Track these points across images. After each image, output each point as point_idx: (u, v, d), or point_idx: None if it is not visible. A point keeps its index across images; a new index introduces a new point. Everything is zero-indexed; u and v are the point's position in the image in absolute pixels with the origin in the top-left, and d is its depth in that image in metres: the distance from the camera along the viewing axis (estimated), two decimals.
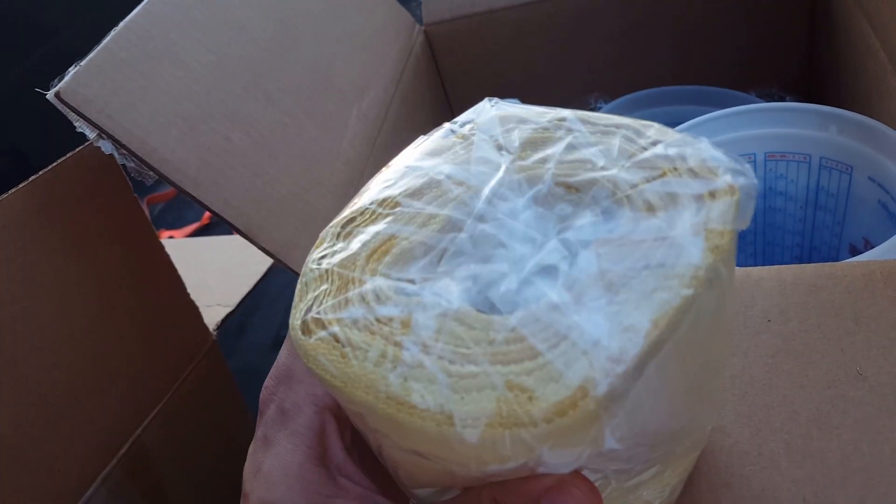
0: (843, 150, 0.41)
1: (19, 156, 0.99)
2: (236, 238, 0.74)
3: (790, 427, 0.28)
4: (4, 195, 0.33)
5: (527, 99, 0.55)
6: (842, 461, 0.27)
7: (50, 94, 0.33)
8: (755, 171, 0.45)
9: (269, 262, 0.53)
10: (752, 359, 0.30)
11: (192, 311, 0.43)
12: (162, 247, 0.41)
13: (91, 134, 0.34)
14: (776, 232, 0.47)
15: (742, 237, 0.48)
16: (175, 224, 0.89)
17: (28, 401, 0.33)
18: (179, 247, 0.41)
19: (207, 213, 0.91)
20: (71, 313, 0.36)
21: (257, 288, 0.81)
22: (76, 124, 0.34)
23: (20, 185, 0.34)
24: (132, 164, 0.35)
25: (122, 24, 0.36)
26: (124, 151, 0.35)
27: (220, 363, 0.45)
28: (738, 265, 0.28)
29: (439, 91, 0.62)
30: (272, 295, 0.81)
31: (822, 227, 0.45)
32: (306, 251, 0.43)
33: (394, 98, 0.51)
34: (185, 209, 0.91)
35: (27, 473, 0.33)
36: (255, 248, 0.55)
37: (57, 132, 0.37)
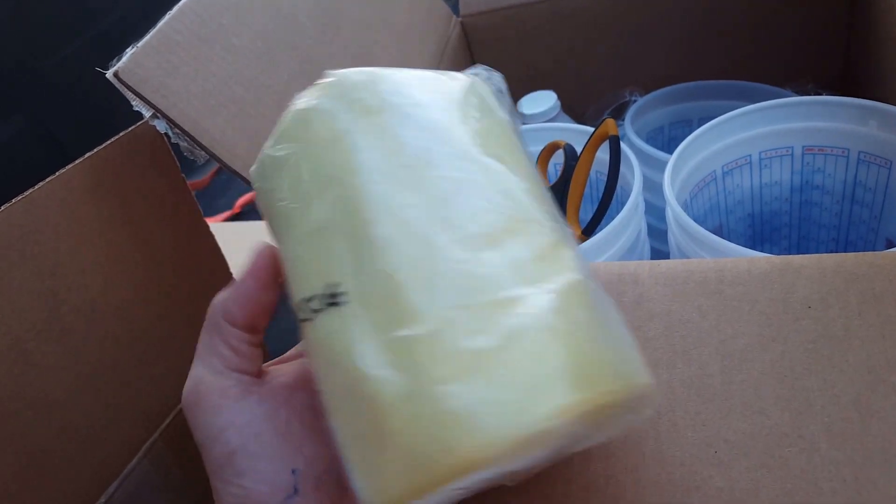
0: (882, 144, 0.41)
1: (55, 144, 1.02)
2: None
3: (830, 410, 0.28)
4: (63, 170, 0.34)
5: (561, 91, 0.56)
6: (882, 444, 0.27)
7: (109, 74, 0.34)
8: (792, 164, 0.45)
9: None
10: (791, 344, 0.30)
11: None
12: (207, 227, 0.42)
13: (147, 113, 0.35)
14: (811, 226, 0.47)
15: (777, 231, 0.48)
16: (207, 212, 0.91)
17: (78, 370, 0.34)
18: (216, 231, 0.42)
19: (239, 202, 0.92)
20: (119, 288, 0.37)
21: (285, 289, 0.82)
22: (133, 103, 0.35)
23: (77, 161, 0.35)
24: (185, 144, 0.36)
25: (176, 8, 0.38)
26: (178, 131, 0.36)
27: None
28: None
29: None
30: None
31: (858, 222, 0.45)
32: None
33: None
34: (217, 197, 0.93)
35: (76, 441, 0.34)
36: None
37: (92, 121, 0.38)
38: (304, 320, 0.22)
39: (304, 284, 0.22)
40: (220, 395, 0.24)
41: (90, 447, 0.35)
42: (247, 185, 0.37)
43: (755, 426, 0.28)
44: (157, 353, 0.39)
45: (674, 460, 0.28)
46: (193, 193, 0.41)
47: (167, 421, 0.39)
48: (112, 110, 0.37)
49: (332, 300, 0.21)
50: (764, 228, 0.48)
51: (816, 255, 0.32)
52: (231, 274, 0.44)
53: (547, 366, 0.19)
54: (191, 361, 0.40)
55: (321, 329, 0.21)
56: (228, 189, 0.95)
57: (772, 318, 0.31)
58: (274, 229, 0.25)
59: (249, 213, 0.87)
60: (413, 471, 0.18)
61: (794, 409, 0.28)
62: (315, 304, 0.21)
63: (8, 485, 0.31)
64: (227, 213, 0.88)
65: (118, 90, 0.35)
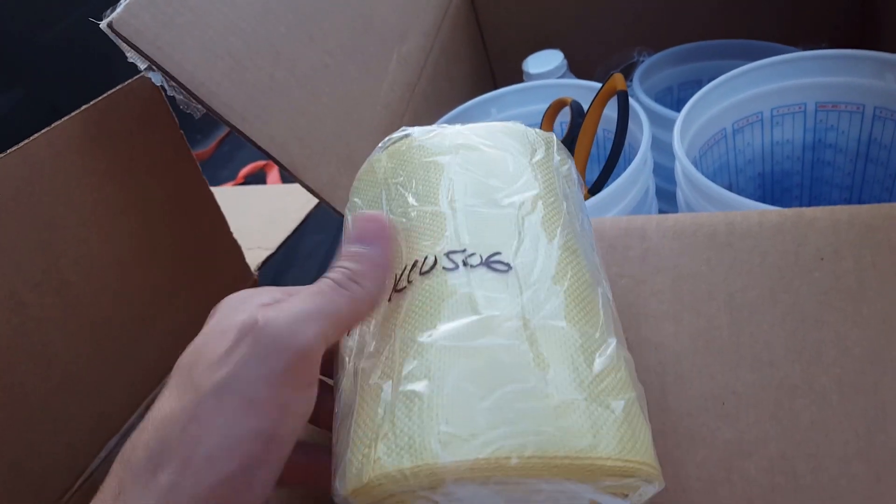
0: None
1: (56, 115, 1.01)
2: (272, 188, 0.74)
3: (842, 362, 0.27)
4: (58, 122, 0.34)
5: (568, 52, 0.55)
6: (895, 396, 0.26)
7: (103, 24, 0.33)
8: (805, 121, 0.44)
9: (305, 211, 0.53)
10: (803, 297, 0.29)
11: (235, 249, 0.43)
12: (206, 184, 0.41)
13: (142, 65, 0.34)
14: (823, 186, 0.46)
15: (788, 192, 0.47)
16: (210, 183, 0.90)
17: (78, 322, 0.34)
18: (218, 195, 0.42)
19: (242, 173, 0.92)
20: (118, 242, 0.36)
21: (291, 246, 0.82)
22: (128, 55, 0.34)
23: (73, 113, 0.34)
24: (181, 97, 0.35)
25: None
26: (173, 84, 0.35)
27: None
28: None
29: (478, 42, 0.61)
30: (305, 252, 0.82)
31: (871, 182, 0.44)
32: (347, 191, 0.43)
33: (434, 46, 0.50)
34: (220, 168, 0.92)
35: (76, 394, 0.34)
36: (291, 198, 0.56)
37: (92, 92, 0.37)
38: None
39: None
40: None
41: (90, 401, 0.35)
42: (239, 135, 0.36)
43: (765, 378, 0.28)
44: (158, 310, 0.38)
45: (680, 411, 0.28)
46: (192, 152, 0.41)
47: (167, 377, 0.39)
48: (112, 82, 0.37)
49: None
50: (774, 189, 0.47)
51: (829, 207, 0.31)
52: (231, 234, 0.43)
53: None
54: (191, 319, 0.39)
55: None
56: (231, 160, 0.94)
57: (783, 271, 0.30)
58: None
59: (252, 183, 0.86)
60: (397, 454, 0.19)
61: (805, 361, 0.28)
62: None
63: (7, 436, 0.31)
64: (230, 184, 0.88)
65: (118, 61, 0.34)
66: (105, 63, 0.36)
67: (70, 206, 0.34)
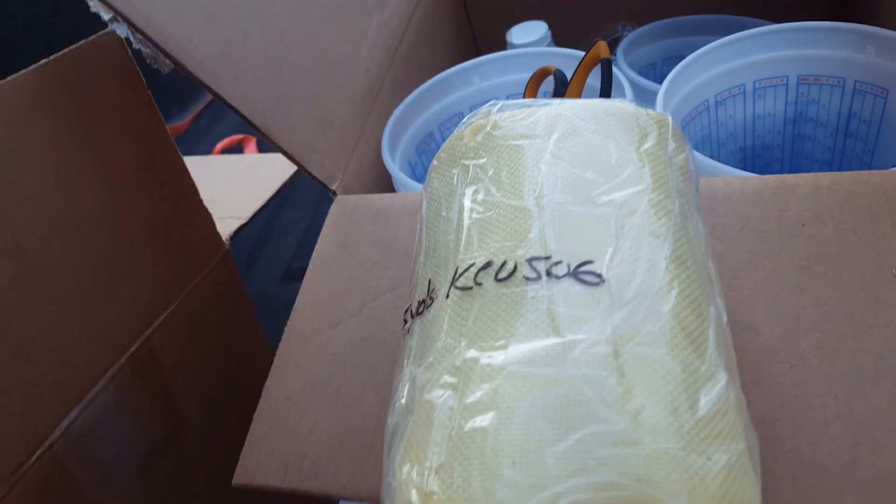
0: (879, 72, 0.40)
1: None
2: (248, 157, 0.73)
3: (822, 327, 0.27)
4: (15, 75, 0.32)
5: (551, 24, 0.54)
6: (875, 360, 0.26)
7: None
8: (787, 95, 0.44)
9: (280, 181, 0.52)
10: (784, 262, 0.29)
11: (205, 217, 0.42)
12: (175, 148, 0.40)
13: (106, 15, 0.33)
14: (803, 161, 0.46)
15: (769, 166, 0.47)
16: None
17: (35, 288, 0.33)
18: (191, 164, 0.40)
19: (218, 147, 0.90)
20: (79, 205, 0.35)
21: (268, 221, 0.81)
22: (90, 4, 0.33)
23: (31, 67, 0.33)
24: (147, 51, 0.34)
25: None
26: (140, 36, 0.33)
27: (232, 274, 0.44)
28: None
29: (461, 10, 0.60)
30: (282, 229, 0.80)
31: (851, 156, 0.44)
32: (324, 155, 0.42)
33: (416, 10, 0.49)
34: (196, 142, 0.90)
35: (35, 361, 0.33)
36: (266, 168, 0.55)
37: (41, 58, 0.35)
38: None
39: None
40: None
41: (50, 369, 0.33)
42: (211, 94, 0.34)
43: (745, 343, 0.27)
44: (121, 277, 0.37)
45: None
46: (159, 111, 0.39)
47: (133, 348, 0.38)
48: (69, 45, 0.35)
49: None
50: (755, 163, 0.47)
51: (811, 174, 0.31)
52: (200, 201, 0.42)
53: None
54: (157, 288, 0.38)
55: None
56: (207, 134, 0.92)
57: (764, 236, 0.30)
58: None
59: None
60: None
61: (785, 325, 0.27)
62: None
63: None
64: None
65: (75, 23, 0.33)
66: (60, 26, 0.34)
67: (28, 166, 0.32)
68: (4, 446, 0.32)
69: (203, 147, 0.88)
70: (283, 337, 0.34)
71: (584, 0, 0.58)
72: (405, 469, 0.18)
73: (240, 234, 0.44)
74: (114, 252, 0.37)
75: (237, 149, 0.88)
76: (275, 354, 0.33)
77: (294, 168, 0.55)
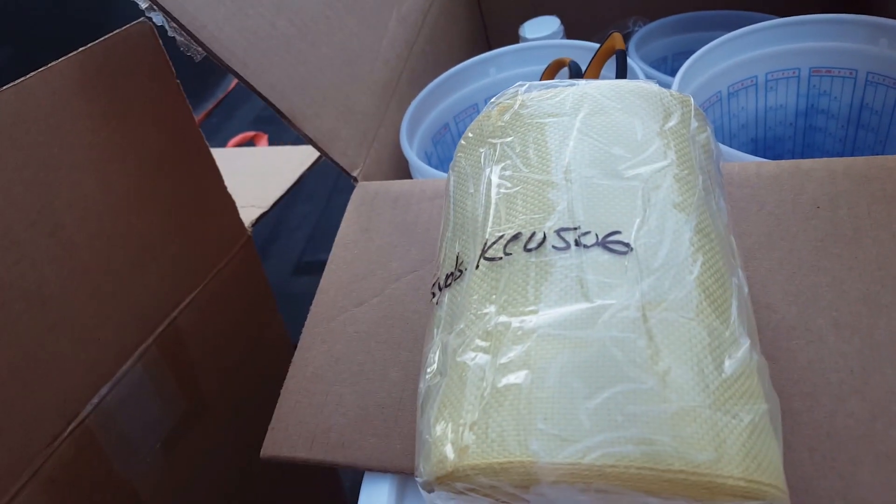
0: (891, 64, 0.40)
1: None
2: (263, 149, 0.74)
3: (838, 305, 0.28)
4: (54, 62, 0.33)
5: (563, 19, 0.55)
6: (890, 337, 0.27)
7: None
8: (798, 87, 0.45)
9: (298, 172, 0.53)
10: (800, 243, 0.30)
11: (229, 203, 0.43)
12: (201, 136, 0.41)
13: (143, 4, 0.34)
14: (815, 153, 0.47)
15: (780, 158, 0.48)
16: None
17: (71, 266, 0.34)
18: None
19: (231, 143, 0.91)
20: (112, 188, 0.36)
21: (278, 217, 0.82)
22: None
23: (70, 55, 0.34)
24: (181, 38, 0.35)
25: None
26: (174, 25, 0.34)
27: (254, 259, 0.45)
28: None
29: (475, 6, 0.61)
30: (293, 224, 0.81)
31: (863, 148, 0.44)
32: (347, 143, 0.43)
33: (432, 6, 0.50)
34: (209, 138, 0.91)
35: (69, 338, 0.34)
36: (283, 159, 0.56)
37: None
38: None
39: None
40: None
41: (83, 346, 0.34)
42: (238, 79, 0.35)
43: (762, 320, 0.28)
44: (151, 258, 0.38)
45: None
46: (188, 101, 0.40)
47: (161, 328, 0.39)
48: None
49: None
50: (767, 155, 0.47)
51: (826, 159, 0.32)
52: (225, 188, 0.43)
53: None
54: (184, 271, 0.38)
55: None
56: (219, 131, 0.93)
57: (780, 219, 0.31)
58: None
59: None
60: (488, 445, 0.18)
61: (802, 303, 0.28)
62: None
63: (0, 376, 0.31)
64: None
65: (108, 21, 0.34)
66: (94, 22, 0.36)
67: (65, 147, 0.33)
68: (41, 419, 0.33)
69: (215, 144, 0.89)
70: (309, 316, 0.35)
71: None
72: (440, 426, 0.19)
73: (253, 231, 0.45)
74: (144, 234, 0.38)
75: (249, 145, 0.90)
76: (290, 339, 0.34)
77: (309, 160, 0.56)
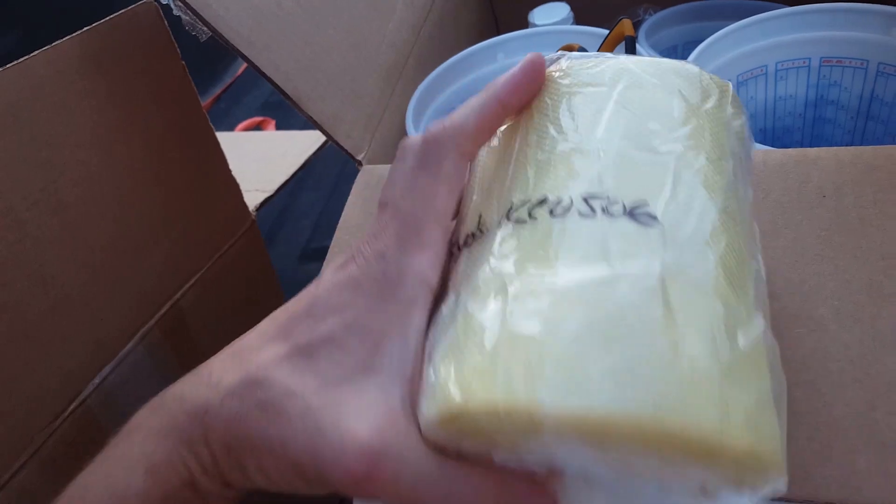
0: None
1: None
2: (270, 134, 0.74)
3: (841, 294, 0.28)
4: (59, 41, 0.33)
5: (573, 6, 0.54)
6: (892, 327, 0.26)
7: None
8: (808, 77, 0.44)
9: (304, 156, 0.53)
10: (804, 231, 0.29)
11: (233, 187, 0.43)
12: (206, 118, 0.41)
13: None
14: (823, 144, 0.46)
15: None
16: None
17: (75, 245, 0.34)
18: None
19: (238, 129, 0.91)
20: (117, 168, 0.36)
21: (284, 204, 0.82)
22: None
23: (75, 34, 0.34)
24: (187, 18, 0.35)
25: None
26: (180, 3, 0.34)
27: (258, 243, 0.45)
28: None
29: None
30: (299, 211, 0.81)
31: (871, 139, 0.44)
32: (352, 127, 0.42)
33: None
34: (216, 124, 0.91)
35: (71, 317, 0.34)
36: (289, 144, 0.56)
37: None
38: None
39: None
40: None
41: (86, 326, 0.35)
42: (243, 59, 0.35)
43: None
44: (154, 240, 0.38)
45: None
46: (192, 80, 0.40)
47: (164, 309, 0.39)
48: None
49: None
50: (775, 145, 0.47)
51: (832, 147, 0.32)
52: (229, 170, 0.43)
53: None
54: (188, 253, 0.39)
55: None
56: (227, 116, 0.94)
57: (785, 207, 0.30)
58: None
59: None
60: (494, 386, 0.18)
61: (805, 292, 0.28)
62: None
63: (2, 355, 0.31)
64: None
65: (117, 5, 0.34)
66: (103, 5, 0.36)
67: (70, 126, 0.34)
68: (42, 398, 0.33)
69: (223, 128, 0.89)
70: None
71: None
72: (446, 368, 0.19)
73: (258, 215, 0.45)
74: (148, 215, 0.38)
75: (256, 130, 0.90)
76: None
77: (315, 145, 0.56)
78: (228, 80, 1.01)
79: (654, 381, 0.17)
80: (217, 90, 0.98)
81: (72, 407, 0.35)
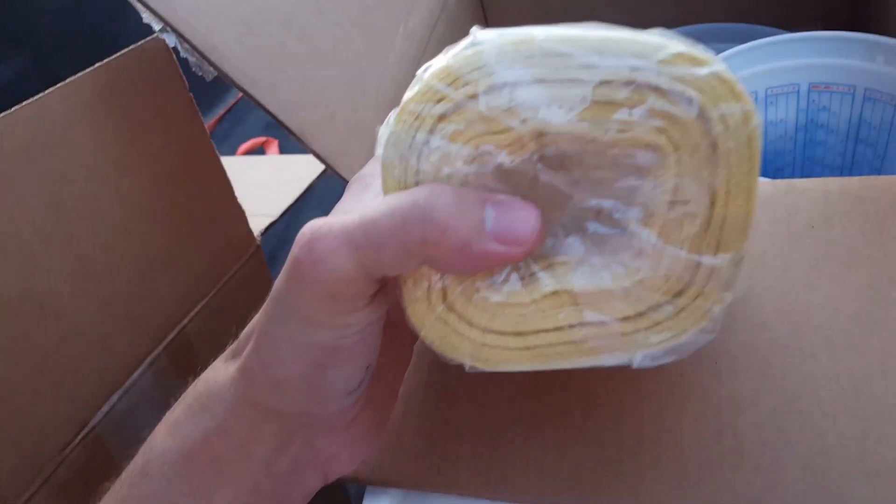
0: (889, 80, 0.41)
1: (59, 81, 1.01)
2: (274, 158, 0.75)
3: (831, 323, 0.28)
4: (71, 79, 0.34)
5: None
6: (882, 357, 0.27)
7: None
8: (798, 102, 0.45)
9: (308, 181, 0.54)
10: (794, 262, 0.30)
11: (239, 213, 0.44)
12: (213, 148, 0.42)
13: (157, 26, 0.35)
14: (815, 166, 0.47)
15: (780, 171, 0.49)
16: None
17: (84, 276, 0.35)
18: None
19: (241, 149, 0.92)
20: (126, 201, 0.37)
21: (288, 225, 0.83)
22: (143, 15, 0.35)
23: (87, 70, 0.35)
24: (194, 59, 0.36)
25: None
26: (187, 45, 0.35)
27: (262, 269, 0.46)
28: None
29: (481, 20, 0.62)
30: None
31: (861, 162, 0.45)
32: (354, 159, 0.44)
33: (438, 21, 0.51)
34: (219, 144, 0.92)
35: (80, 347, 0.35)
36: (293, 168, 0.57)
37: (97, 60, 0.37)
38: None
39: None
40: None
41: (95, 355, 0.35)
42: (249, 99, 0.36)
43: (756, 338, 0.29)
44: (161, 270, 0.39)
45: (674, 371, 0.29)
46: (200, 114, 0.41)
47: (171, 336, 0.40)
48: (116, 51, 0.37)
49: None
50: (767, 168, 0.48)
51: (821, 178, 0.33)
52: (235, 198, 0.44)
53: None
54: (194, 280, 0.39)
55: None
56: (230, 136, 0.95)
57: (774, 238, 0.31)
58: None
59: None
60: None
61: (795, 322, 0.29)
62: None
63: (12, 384, 0.32)
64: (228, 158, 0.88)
65: (122, 30, 0.35)
66: (109, 32, 0.37)
67: (80, 162, 0.34)
68: (51, 427, 0.34)
69: (226, 149, 0.90)
70: None
71: (602, 10, 0.59)
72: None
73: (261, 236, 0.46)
74: (155, 245, 0.39)
75: (259, 150, 0.91)
76: None
77: (318, 170, 0.57)
78: (231, 100, 1.02)
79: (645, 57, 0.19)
80: (220, 110, 0.99)
81: (81, 435, 0.35)
